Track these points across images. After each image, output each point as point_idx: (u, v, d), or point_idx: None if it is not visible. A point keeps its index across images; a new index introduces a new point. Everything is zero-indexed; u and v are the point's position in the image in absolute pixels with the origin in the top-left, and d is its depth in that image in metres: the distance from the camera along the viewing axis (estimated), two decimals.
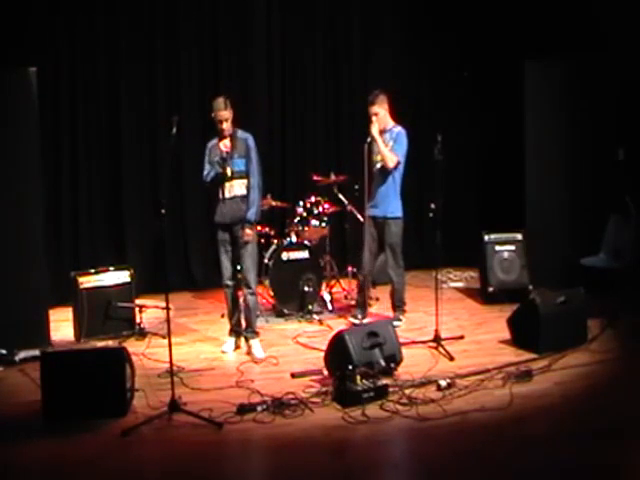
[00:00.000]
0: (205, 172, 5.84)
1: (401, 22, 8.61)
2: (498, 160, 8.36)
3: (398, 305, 6.55)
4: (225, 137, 5.78)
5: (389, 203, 6.37)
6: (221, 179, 5.76)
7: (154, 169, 7.83)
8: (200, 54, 7.99)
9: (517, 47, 7.81)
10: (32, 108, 6.02)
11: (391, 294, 6.59)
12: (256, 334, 5.98)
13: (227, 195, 5.80)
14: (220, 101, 5.75)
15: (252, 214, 5.81)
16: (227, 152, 5.74)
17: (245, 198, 5.82)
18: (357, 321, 6.48)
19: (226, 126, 5.74)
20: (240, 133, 5.88)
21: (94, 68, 7.57)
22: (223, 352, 5.95)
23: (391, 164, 6.27)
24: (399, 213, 6.40)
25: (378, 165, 6.35)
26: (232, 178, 5.77)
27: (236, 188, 5.81)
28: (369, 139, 6.32)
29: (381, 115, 6.30)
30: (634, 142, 7.20)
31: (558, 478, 3.99)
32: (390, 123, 6.40)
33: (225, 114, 5.71)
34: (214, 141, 5.87)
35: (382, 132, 6.31)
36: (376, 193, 6.37)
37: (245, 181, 5.82)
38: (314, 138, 8.47)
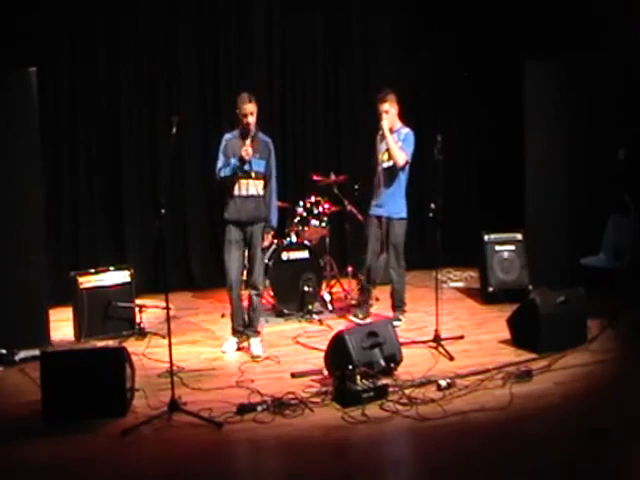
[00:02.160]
0: (219, 165, 5.78)
1: (401, 22, 8.61)
2: (498, 160, 8.37)
3: (398, 305, 6.55)
4: (248, 133, 5.72)
5: (395, 203, 6.37)
6: (234, 180, 5.74)
7: (154, 169, 7.82)
8: (200, 54, 7.99)
9: (517, 47, 7.82)
10: (32, 108, 6.02)
11: (391, 294, 6.59)
12: (257, 333, 5.99)
13: (244, 193, 5.77)
14: (244, 95, 5.75)
15: (275, 220, 5.98)
16: (249, 160, 5.69)
17: (260, 198, 5.83)
18: (358, 320, 6.48)
19: (252, 120, 5.71)
20: (262, 135, 5.87)
21: (94, 68, 7.56)
22: (223, 352, 5.93)
23: (401, 162, 6.27)
24: (404, 214, 6.41)
25: (385, 165, 6.34)
26: (249, 177, 5.76)
27: (252, 187, 5.78)
28: (380, 132, 6.35)
29: (391, 114, 6.31)
30: (634, 142, 7.20)
31: (558, 478, 3.99)
32: (398, 124, 6.41)
33: (250, 107, 5.70)
34: (232, 134, 5.83)
35: (390, 132, 6.30)
36: (382, 193, 6.36)
37: (262, 182, 5.83)
38: (314, 138, 8.47)
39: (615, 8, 7.35)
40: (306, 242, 7.02)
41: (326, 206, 7.24)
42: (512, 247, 7.19)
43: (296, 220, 7.17)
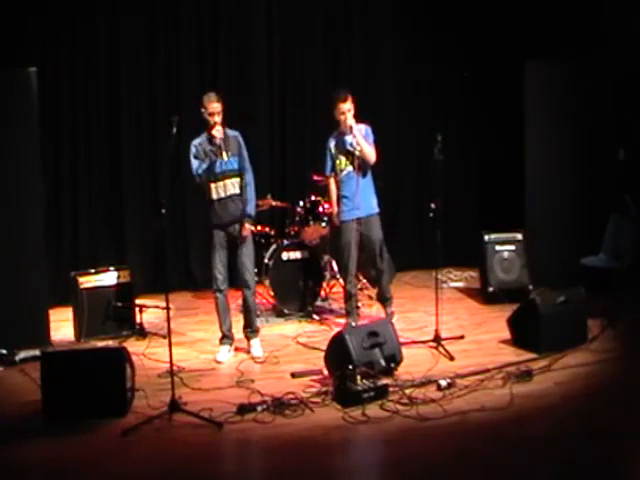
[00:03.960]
0: (195, 166, 5.69)
1: (401, 22, 8.61)
2: (498, 160, 8.36)
3: (388, 298, 6.46)
4: (213, 135, 5.67)
5: (370, 200, 6.29)
6: (212, 173, 5.65)
7: (154, 169, 7.82)
8: (200, 54, 7.99)
9: (518, 47, 7.81)
10: (32, 108, 6.02)
11: (378, 291, 6.52)
12: (256, 332, 5.98)
13: (222, 194, 5.74)
14: (211, 94, 5.71)
15: (252, 209, 5.83)
16: (221, 138, 5.66)
17: (239, 196, 5.80)
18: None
19: (219, 119, 5.67)
20: (229, 131, 5.82)
21: (94, 68, 7.57)
22: (218, 362, 5.77)
23: (374, 158, 6.19)
24: (378, 208, 6.34)
25: (352, 166, 6.19)
26: (225, 177, 5.71)
27: (230, 187, 5.76)
28: (335, 137, 6.28)
29: (352, 112, 6.16)
30: (634, 142, 7.20)
31: (558, 478, 3.99)
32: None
33: (219, 106, 5.66)
34: (200, 139, 5.75)
35: (351, 130, 6.15)
36: (354, 194, 6.18)
37: (238, 180, 5.80)
38: (314, 138, 8.46)
39: (615, 8, 7.35)
40: (306, 242, 7.02)
41: (326, 206, 7.23)
42: (512, 247, 7.18)
43: (296, 220, 7.17)
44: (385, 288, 6.52)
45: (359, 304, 6.70)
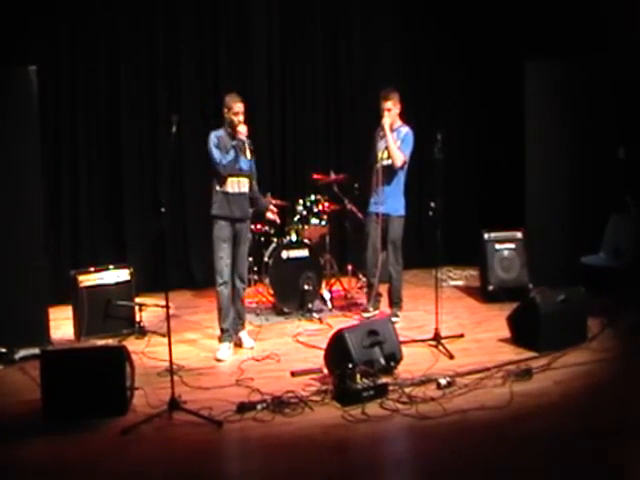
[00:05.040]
0: (217, 155, 5.74)
1: (401, 22, 8.63)
2: (498, 160, 8.37)
3: (396, 302, 6.61)
4: (237, 133, 5.79)
5: (394, 201, 6.43)
6: (233, 168, 5.77)
7: (154, 169, 7.83)
8: (200, 54, 8.00)
9: (518, 48, 7.82)
10: (32, 108, 6.02)
11: (389, 291, 6.64)
12: (243, 326, 6.12)
13: (237, 190, 5.84)
14: (234, 94, 5.89)
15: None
16: (246, 136, 5.81)
17: (247, 196, 5.95)
18: (370, 314, 6.57)
19: (242, 119, 5.82)
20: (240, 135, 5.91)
21: (94, 68, 7.57)
22: (218, 360, 5.77)
23: (399, 163, 6.34)
24: (403, 211, 6.49)
25: (384, 162, 6.39)
26: (240, 175, 5.84)
27: (243, 185, 5.88)
28: (379, 130, 6.44)
29: (393, 112, 6.37)
30: (634, 142, 7.20)
31: (558, 478, 3.99)
32: (398, 122, 6.48)
33: (242, 107, 5.84)
34: (220, 132, 5.85)
35: (390, 130, 6.37)
36: (381, 190, 6.39)
37: (248, 180, 5.91)
38: (314, 138, 8.48)
39: (615, 8, 7.35)
40: (306, 241, 7.03)
41: (326, 205, 7.25)
42: (512, 246, 7.19)
43: (296, 219, 7.18)
44: (394, 291, 6.62)
45: (379, 298, 6.79)
